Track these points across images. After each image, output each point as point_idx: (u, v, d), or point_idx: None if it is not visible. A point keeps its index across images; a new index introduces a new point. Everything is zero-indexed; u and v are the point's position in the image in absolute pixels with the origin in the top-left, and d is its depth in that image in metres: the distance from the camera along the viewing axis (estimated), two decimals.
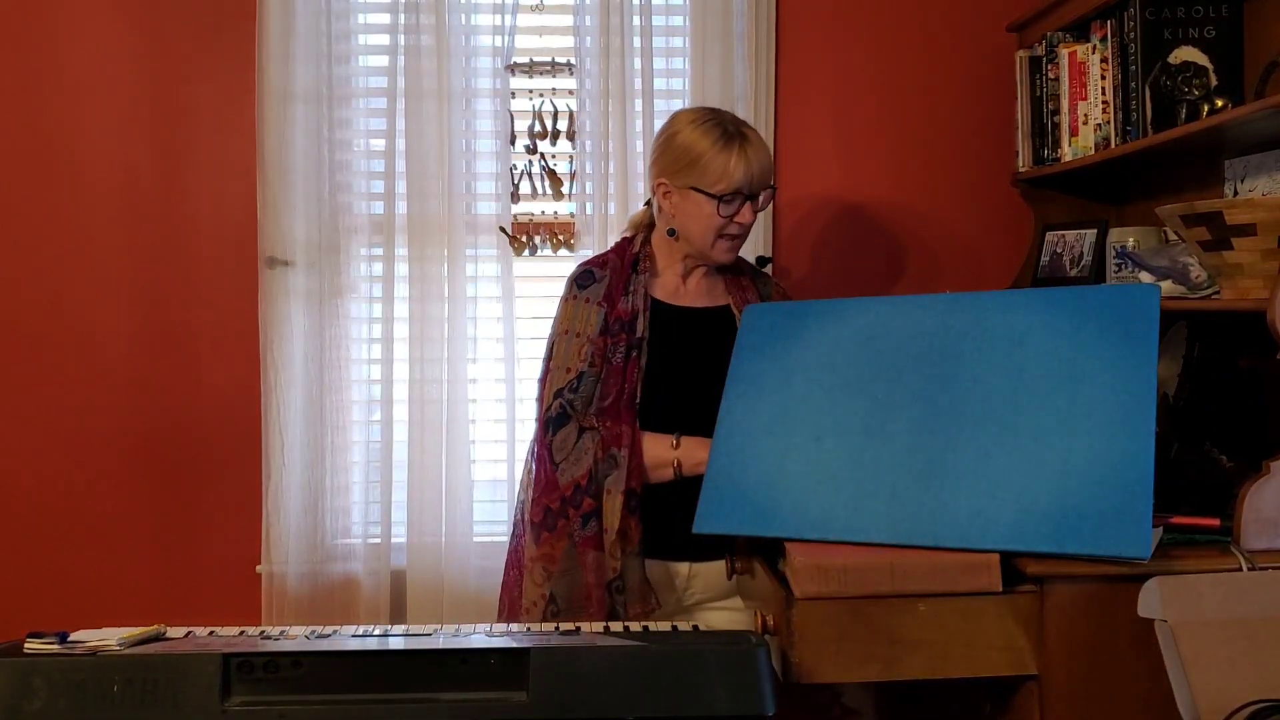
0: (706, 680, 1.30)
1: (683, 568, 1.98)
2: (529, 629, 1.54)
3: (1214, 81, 2.07)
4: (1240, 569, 1.49)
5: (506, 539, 2.61)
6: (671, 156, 1.99)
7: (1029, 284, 2.60)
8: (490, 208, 2.69)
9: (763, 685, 1.30)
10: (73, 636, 1.38)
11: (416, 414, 2.63)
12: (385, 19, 2.67)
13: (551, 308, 2.72)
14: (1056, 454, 1.48)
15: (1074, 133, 2.36)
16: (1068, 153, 2.39)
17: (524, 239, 2.70)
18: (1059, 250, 2.53)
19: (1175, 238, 2.08)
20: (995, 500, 1.48)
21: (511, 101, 2.69)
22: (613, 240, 2.61)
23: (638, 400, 1.94)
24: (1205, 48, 2.09)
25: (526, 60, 2.70)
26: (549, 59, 2.72)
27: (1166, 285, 1.97)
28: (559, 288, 2.71)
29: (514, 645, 1.35)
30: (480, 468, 2.68)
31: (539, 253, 2.72)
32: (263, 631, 1.49)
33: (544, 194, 2.73)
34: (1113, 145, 2.21)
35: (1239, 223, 1.70)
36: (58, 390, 2.70)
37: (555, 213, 2.73)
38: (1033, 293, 1.69)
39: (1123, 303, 1.56)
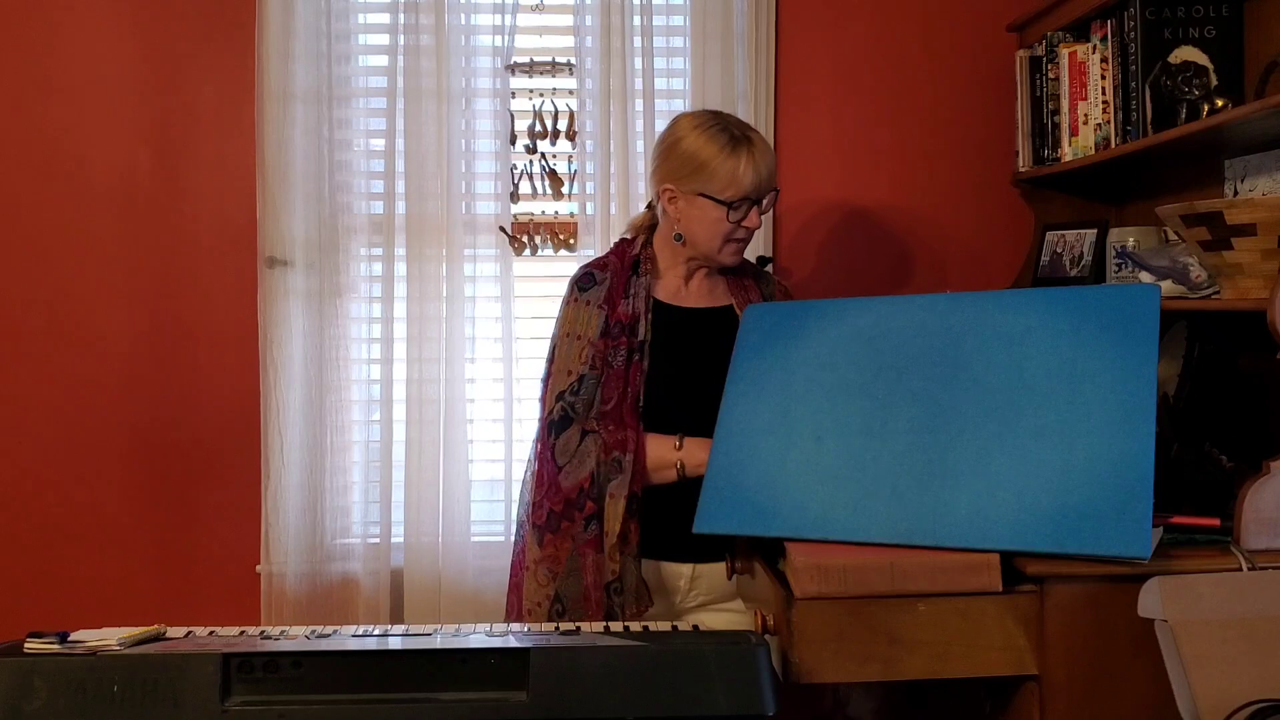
0: (706, 680, 1.30)
1: (686, 569, 1.98)
2: (529, 629, 1.54)
3: (1214, 81, 2.07)
4: (1240, 569, 1.49)
5: (503, 539, 2.64)
6: (677, 162, 1.98)
7: (1029, 284, 2.60)
8: (490, 208, 2.69)
9: (763, 685, 1.30)
10: (73, 636, 1.38)
11: (414, 414, 2.63)
12: (385, 19, 2.67)
13: (551, 308, 2.72)
14: (1056, 454, 1.48)
15: (1074, 133, 2.36)
16: (1068, 153, 2.39)
17: (524, 239, 2.70)
18: (1059, 250, 2.53)
19: (1175, 238, 2.08)
20: (995, 500, 1.48)
21: (511, 101, 2.69)
22: (613, 240, 2.61)
23: (640, 404, 1.94)
24: (1205, 48, 2.09)
25: (526, 60, 2.70)
26: (549, 59, 2.72)
27: (1166, 285, 1.97)
28: (558, 288, 2.71)
29: (514, 645, 1.35)
30: (478, 468, 2.68)
31: (540, 253, 2.72)
32: (263, 631, 1.49)
33: (544, 194, 2.73)
34: (1113, 145, 2.21)
35: (1239, 223, 1.70)
36: (57, 390, 2.70)
37: (555, 213, 2.73)
38: (1033, 293, 1.69)
39: (1123, 303, 1.56)
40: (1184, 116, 2.05)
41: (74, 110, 2.68)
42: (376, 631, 1.52)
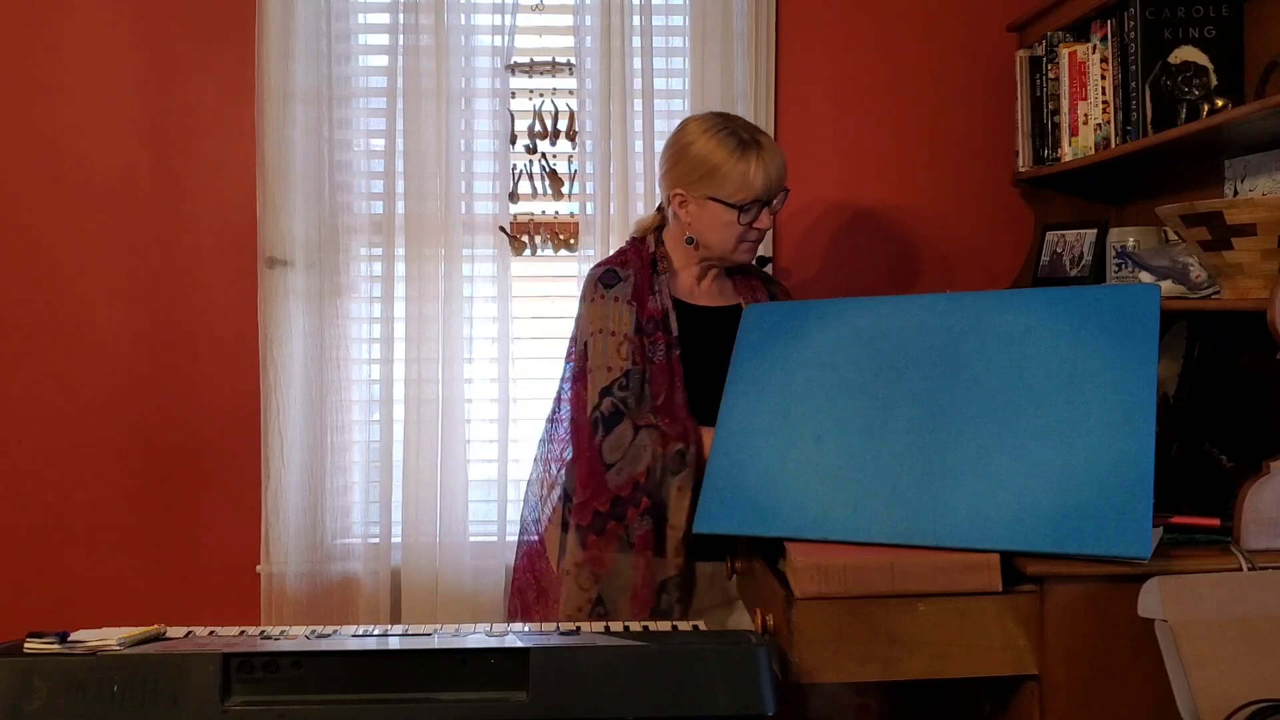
0: (706, 680, 1.30)
1: (707, 567, 1.96)
2: (529, 629, 1.54)
3: (1214, 81, 2.07)
4: (1240, 569, 1.49)
5: (497, 539, 2.63)
6: (687, 167, 1.98)
7: (1029, 284, 2.59)
8: (489, 208, 2.69)
9: (763, 685, 1.31)
10: (73, 636, 1.38)
11: (413, 414, 2.63)
12: (385, 19, 2.67)
13: (550, 308, 2.76)
14: (1056, 454, 1.48)
15: (1074, 133, 2.36)
16: (1068, 153, 2.39)
17: (524, 239, 2.70)
18: (1059, 250, 2.53)
19: (1175, 238, 2.08)
20: (995, 500, 1.48)
21: (511, 101, 2.69)
22: (614, 240, 2.62)
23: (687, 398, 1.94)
24: (1205, 48, 2.09)
25: (526, 60, 2.70)
26: (549, 59, 2.72)
27: (1166, 285, 1.97)
28: (557, 287, 2.75)
29: (514, 645, 1.35)
30: (476, 468, 2.68)
31: (540, 253, 2.72)
32: (263, 631, 1.49)
33: (544, 194, 2.73)
34: (1113, 145, 2.21)
35: (1239, 223, 1.70)
36: (57, 390, 2.70)
37: (555, 213, 2.73)
38: (1033, 293, 1.69)
39: (1123, 303, 1.56)
40: (1184, 116, 2.05)
41: (74, 110, 2.68)
42: (376, 631, 1.52)
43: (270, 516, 2.63)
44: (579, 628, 1.52)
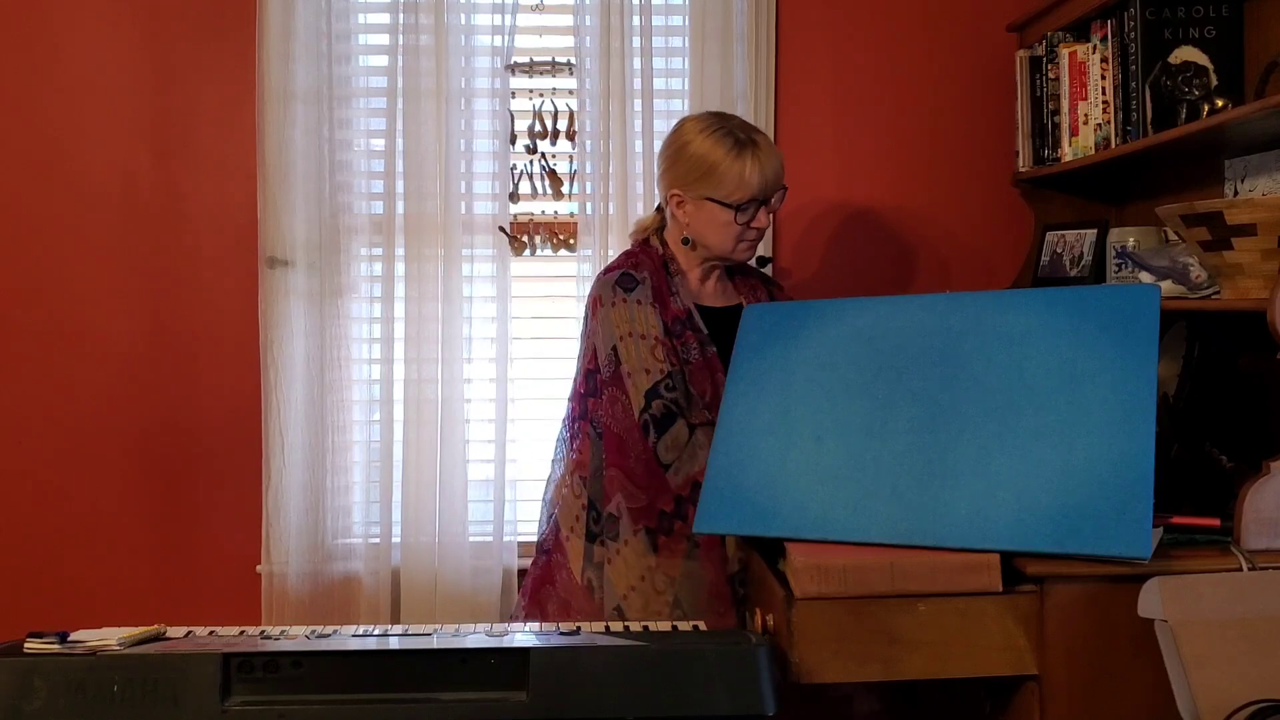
0: (706, 680, 1.30)
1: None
2: (528, 628, 1.54)
3: (1214, 81, 2.07)
4: (1240, 569, 1.49)
5: (494, 539, 2.63)
6: (684, 168, 1.99)
7: (1029, 284, 2.59)
8: (489, 208, 2.68)
9: (763, 685, 1.31)
10: (73, 636, 1.38)
11: (413, 414, 2.63)
12: (385, 19, 2.67)
13: (550, 308, 2.76)
14: (1056, 454, 1.48)
15: (1074, 133, 2.36)
16: (1068, 153, 2.39)
17: (524, 239, 2.70)
18: (1059, 250, 2.53)
19: (1175, 238, 2.08)
20: (995, 500, 1.48)
21: (511, 101, 2.69)
22: (613, 240, 2.62)
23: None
24: (1205, 48, 2.09)
25: (526, 60, 2.70)
26: (549, 59, 2.72)
27: (1166, 285, 1.97)
28: (557, 288, 2.75)
29: (514, 645, 1.35)
30: (476, 468, 2.68)
31: (539, 253, 2.72)
32: (263, 631, 1.49)
33: (544, 194, 2.73)
34: (1113, 145, 2.21)
35: (1239, 223, 1.70)
36: (58, 390, 2.70)
37: (555, 213, 2.73)
38: (1033, 293, 1.69)
39: (1123, 303, 1.56)
40: (1184, 116, 2.05)
41: (74, 110, 2.68)
42: (376, 631, 1.53)
43: (271, 516, 2.63)
44: (579, 628, 1.52)
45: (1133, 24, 2.14)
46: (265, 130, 2.60)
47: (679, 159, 1.99)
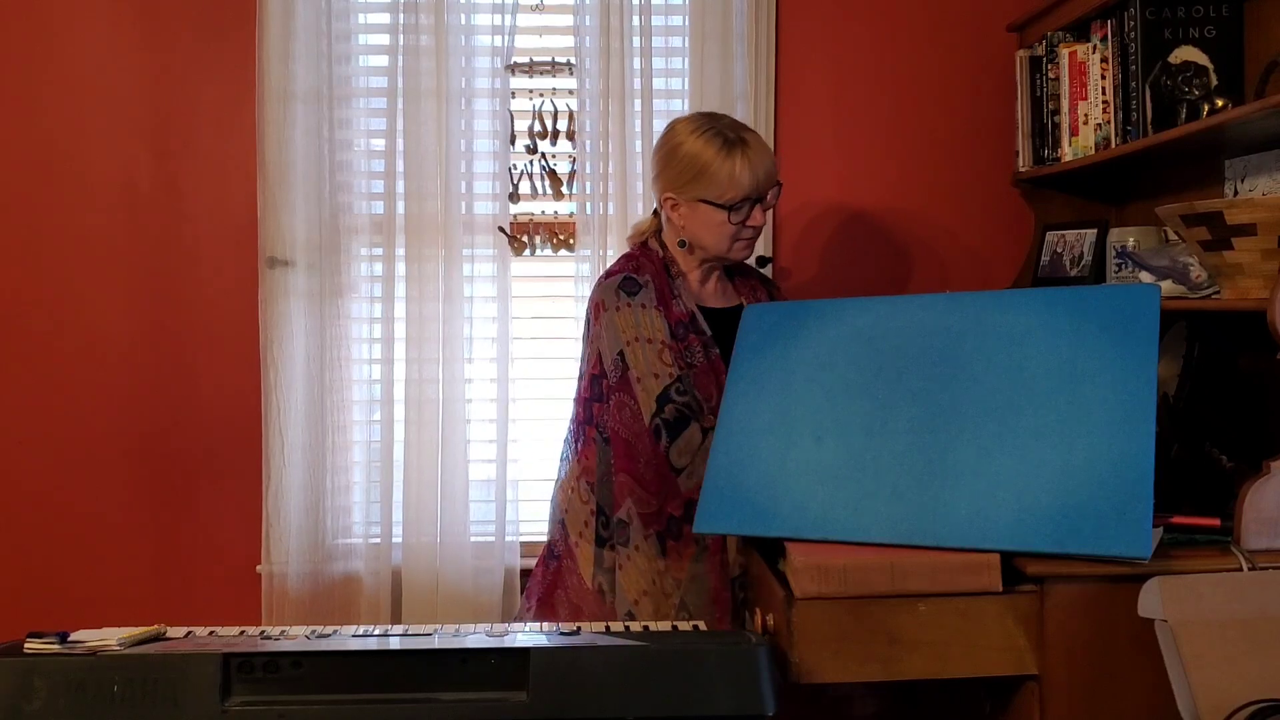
0: (706, 680, 1.30)
1: None
2: (528, 628, 1.54)
3: (1214, 81, 2.07)
4: (1240, 569, 1.49)
5: (495, 539, 2.63)
6: (676, 170, 1.99)
7: (1029, 284, 2.59)
8: (489, 208, 2.68)
9: (763, 685, 1.31)
10: (73, 636, 1.38)
11: (413, 414, 2.63)
12: (385, 19, 2.67)
13: (550, 308, 2.76)
14: (1056, 454, 1.48)
15: (1074, 133, 2.36)
16: (1068, 153, 2.39)
17: (524, 239, 2.70)
18: (1059, 250, 2.53)
19: (1175, 238, 2.08)
20: (995, 500, 1.48)
21: (511, 101, 2.69)
22: (612, 240, 2.62)
23: None
24: (1205, 47, 2.09)
25: (526, 60, 2.70)
26: (549, 59, 2.72)
27: (1166, 285, 1.97)
28: (557, 288, 2.75)
29: (514, 645, 1.35)
30: (478, 468, 2.68)
31: (539, 253, 2.72)
32: (263, 631, 1.49)
33: (544, 194, 2.73)
34: (1113, 145, 2.21)
35: (1239, 223, 1.70)
36: (58, 389, 2.70)
37: (555, 213, 2.73)
38: (1033, 293, 1.69)
39: (1123, 303, 1.56)
40: (1184, 116, 2.05)
41: (74, 110, 2.68)
42: (376, 631, 1.52)
43: (271, 516, 2.63)
44: (579, 628, 1.52)
45: (1133, 24, 2.14)
46: (265, 130, 2.60)
47: (670, 162, 2.00)
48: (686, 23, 2.68)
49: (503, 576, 2.63)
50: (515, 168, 2.71)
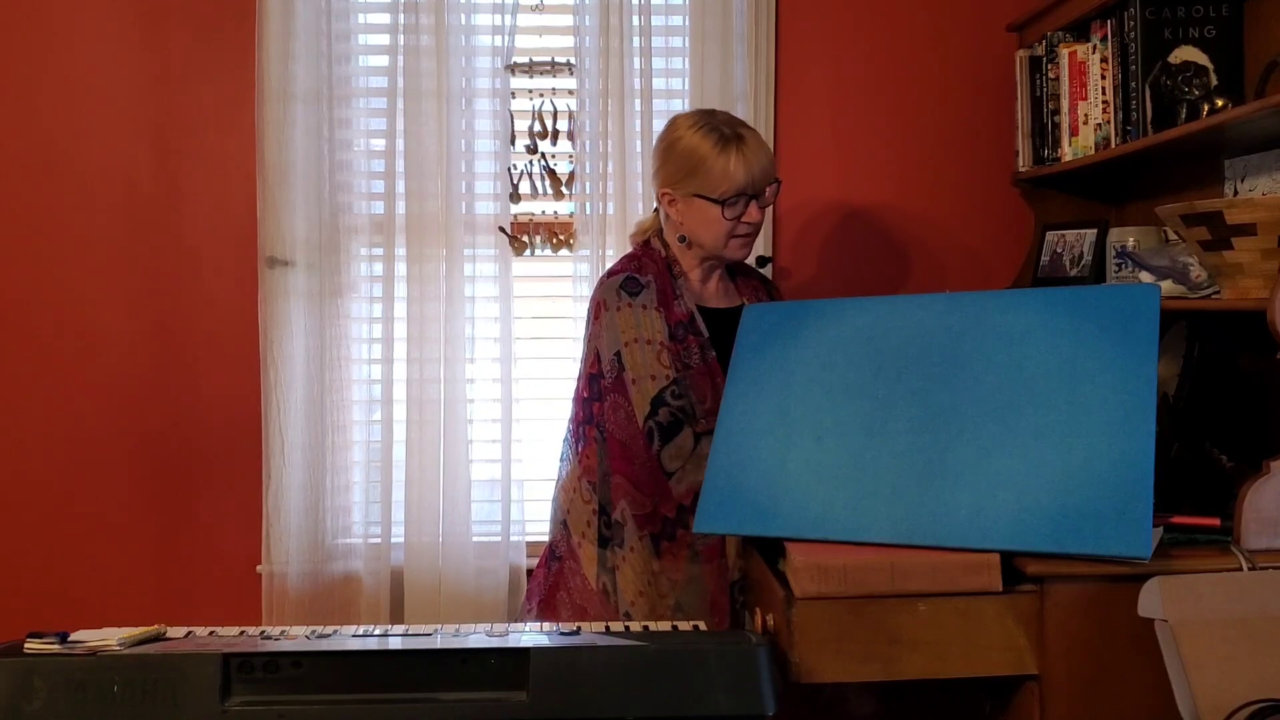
0: (706, 680, 1.30)
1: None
2: (529, 628, 1.54)
3: (1214, 81, 2.07)
4: (1240, 569, 1.49)
5: (501, 539, 2.63)
6: (673, 166, 1.99)
7: (1029, 284, 2.59)
8: (489, 208, 2.68)
9: (763, 685, 1.31)
10: (73, 636, 1.38)
11: (415, 414, 2.63)
12: (385, 19, 2.67)
13: (551, 308, 2.75)
14: (1056, 454, 1.48)
15: (1074, 133, 2.36)
16: (1068, 153, 2.39)
17: (525, 239, 2.70)
18: (1059, 250, 2.53)
19: (1175, 238, 2.08)
20: (995, 500, 1.48)
21: (511, 101, 2.69)
22: (611, 240, 2.62)
23: None
24: (1205, 47, 2.09)
25: (526, 60, 2.70)
26: (549, 59, 2.72)
27: (1166, 285, 1.97)
28: (558, 288, 2.75)
29: (514, 645, 1.35)
30: (480, 468, 2.68)
31: (539, 253, 2.72)
32: (263, 631, 1.49)
33: (544, 194, 2.73)
34: (1113, 145, 2.21)
35: (1239, 222, 1.70)
36: (58, 390, 2.70)
37: (555, 213, 2.73)
38: (1033, 293, 1.69)
39: (1123, 303, 1.56)
40: (1184, 116, 2.05)
41: (74, 110, 2.68)
42: (376, 631, 1.52)
43: (271, 516, 2.63)
44: (579, 628, 1.52)
45: (1133, 24, 2.14)
46: (265, 130, 2.60)
47: (668, 157, 2.00)
48: (686, 23, 2.68)
49: (508, 575, 2.63)
50: (515, 168, 2.71)
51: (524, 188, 2.72)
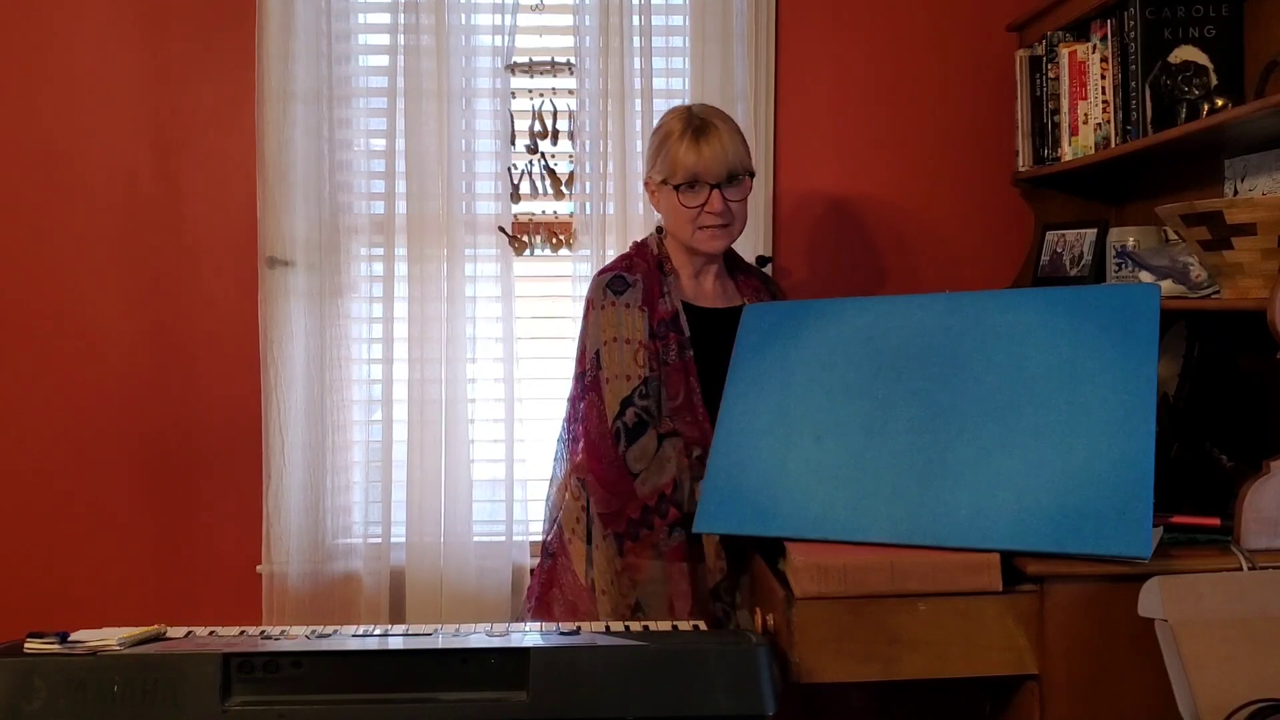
0: (706, 680, 1.30)
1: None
2: (529, 628, 1.54)
3: (1214, 81, 2.07)
4: (1240, 569, 1.49)
5: (505, 539, 2.63)
6: (650, 153, 2.05)
7: (1029, 284, 2.59)
8: (490, 208, 2.68)
9: (763, 685, 1.31)
10: (73, 636, 1.38)
11: (416, 414, 2.63)
12: (385, 19, 2.67)
13: (551, 308, 2.75)
14: (1056, 453, 1.48)
15: (1074, 132, 2.36)
16: (1068, 152, 2.39)
17: (525, 239, 2.70)
18: (1059, 250, 2.53)
19: (1175, 238, 2.08)
20: (995, 500, 1.48)
21: (511, 101, 2.69)
22: (610, 240, 2.62)
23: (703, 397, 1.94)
24: (1205, 47, 2.09)
25: (526, 60, 2.70)
26: (549, 59, 2.72)
27: (1166, 285, 1.97)
28: (558, 288, 2.75)
29: (514, 645, 1.35)
30: (479, 467, 2.68)
31: (539, 253, 2.72)
32: (263, 631, 1.49)
33: (544, 194, 2.73)
34: (1113, 145, 2.21)
35: (1239, 222, 1.70)
36: (58, 390, 2.70)
37: (555, 213, 2.73)
38: (1033, 292, 1.69)
39: (1123, 302, 1.56)
40: (1184, 116, 2.05)
41: (74, 110, 2.68)
42: (377, 631, 1.53)
43: (271, 516, 2.63)
44: (579, 628, 1.52)
45: (1132, 23, 2.14)
46: (265, 130, 2.60)
47: (649, 145, 2.06)
48: (687, 23, 2.68)
49: (511, 575, 2.63)
50: (515, 167, 2.70)
51: (524, 188, 2.72)
